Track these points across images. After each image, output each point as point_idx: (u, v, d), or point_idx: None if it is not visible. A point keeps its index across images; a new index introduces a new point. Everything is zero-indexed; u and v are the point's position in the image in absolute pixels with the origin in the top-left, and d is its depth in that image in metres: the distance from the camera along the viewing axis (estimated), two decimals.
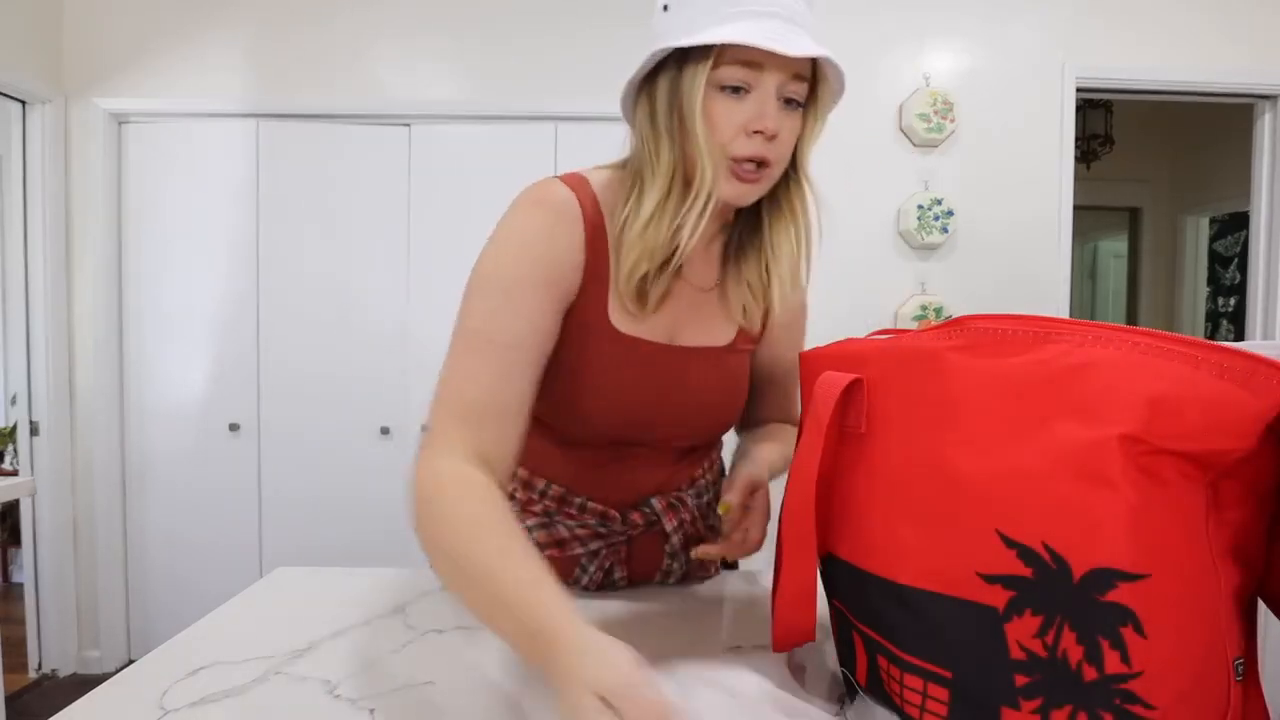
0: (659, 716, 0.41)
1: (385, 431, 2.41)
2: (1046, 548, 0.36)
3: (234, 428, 2.40)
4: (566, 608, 0.48)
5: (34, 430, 2.33)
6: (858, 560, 0.47)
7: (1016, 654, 0.37)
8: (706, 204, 0.63)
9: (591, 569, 0.76)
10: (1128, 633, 0.34)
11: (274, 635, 0.63)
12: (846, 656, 0.51)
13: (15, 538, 2.89)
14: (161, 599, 2.46)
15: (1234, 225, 3.61)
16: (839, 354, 0.52)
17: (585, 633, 0.47)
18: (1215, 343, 0.35)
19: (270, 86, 2.38)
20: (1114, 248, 4.45)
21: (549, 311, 0.65)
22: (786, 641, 0.55)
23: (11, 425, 2.86)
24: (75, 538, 2.40)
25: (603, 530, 0.76)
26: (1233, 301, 3.61)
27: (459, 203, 2.38)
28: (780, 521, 0.53)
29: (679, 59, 0.62)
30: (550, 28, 2.37)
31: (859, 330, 0.66)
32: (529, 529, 0.76)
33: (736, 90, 0.61)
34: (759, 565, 0.89)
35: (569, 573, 0.77)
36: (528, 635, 0.48)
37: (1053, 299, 2.09)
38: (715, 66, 0.60)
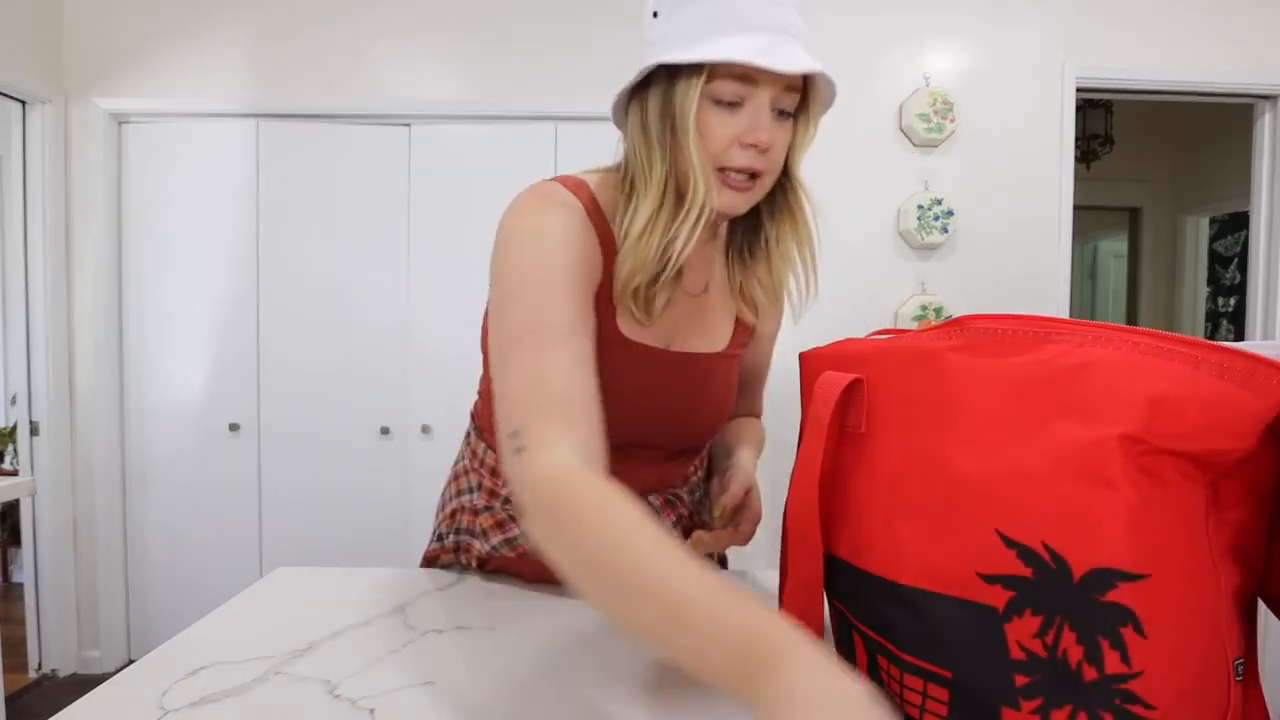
0: None
1: (385, 431, 2.41)
2: (1046, 548, 0.36)
3: (234, 427, 2.40)
4: (783, 619, 0.39)
5: (34, 430, 2.33)
6: (857, 560, 0.47)
7: (1016, 654, 0.37)
8: (700, 217, 0.62)
9: None
10: (1128, 633, 0.34)
11: (274, 635, 0.63)
12: (846, 656, 0.51)
13: (15, 538, 2.89)
14: (161, 599, 2.46)
15: (1234, 225, 3.61)
16: (839, 354, 0.52)
17: (820, 655, 0.37)
18: (1215, 343, 0.35)
19: (270, 86, 2.38)
20: (1114, 248, 4.45)
21: (588, 295, 0.63)
22: None
23: (11, 425, 2.86)
24: (75, 538, 2.40)
25: None
26: (1233, 301, 3.61)
27: (459, 203, 2.38)
28: (785, 522, 0.52)
29: (671, 70, 0.61)
30: (550, 28, 2.37)
31: (859, 330, 0.66)
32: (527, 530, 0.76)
33: (730, 104, 0.61)
34: (753, 564, 0.89)
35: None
36: (730, 652, 0.38)
37: (1053, 299, 2.09)
38: (709, 80, 0.60)
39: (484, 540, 0.78)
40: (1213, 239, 3.81)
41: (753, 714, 0.36)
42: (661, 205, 0.64)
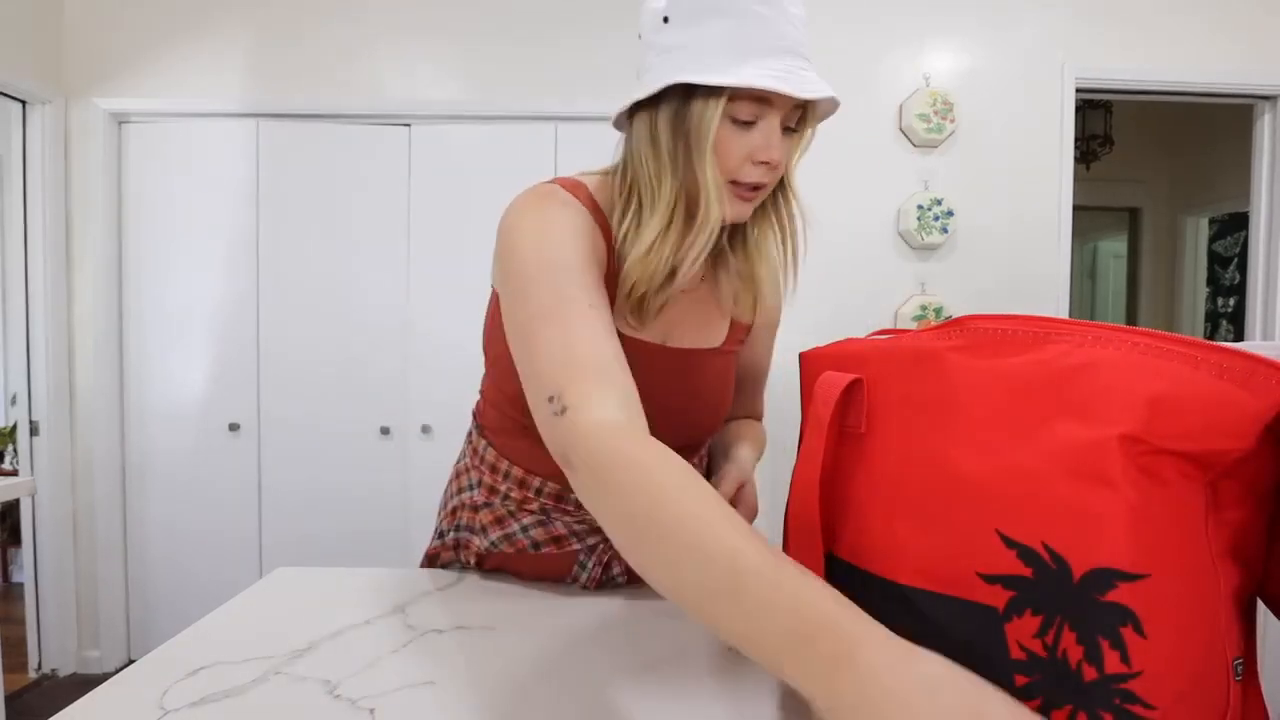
0: None
1: (385, 431, 2.41)
2: (1046, 548, 0.36)
3: (234, 427, 2.41)
4: (855, 609, 0.36)
5: (34, 430, 2.33)
6: (858, 560, 0.47)
7: (1016, 654, 0.37)
8: (711, 234, 0.64)
9: (590, 565, 0.77)
10: (1127, 633, 0.34)
11: (274, 635, 0.63)
12: None
13: (15, 537, 2.89)
14: (161, 599, 2.46)
15: (1233, 225, 3.61)
16: (839, 354, 0.52)
17: (904, 647, 0.34)
18: (1215, 343, 0.35)
19: (270, 86, 2.38)
20: (1114, 248, 4.45)
21: (603, 287, 0.63)
22: None
23: (11, 425, 2.86)
24: (75, 537, 2.40)
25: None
26: (1232, 301, 3.61)
27: (459, 203, 2.38)
28: (786, 522, 0.53)
29: (687, 86, 0.61)
30: (550, 28, 2.37)
31: (859, 330, 0.66)
32: (525, 527, 0.76)
33: (745, 123, 0.62)
34: None
35: (568, 570, 0.77)
36: (791, 636, 0.36)
37: (1052, 299, 2.09)
38: (729, 100, 0.60)
39: (483, 536, 0.79)
40: (1212, 239, 3.81)
41: (814, 711, 0.34)
42: (671, 221, 0.65)
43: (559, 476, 0.74)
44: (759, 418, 0.95)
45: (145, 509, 2.44)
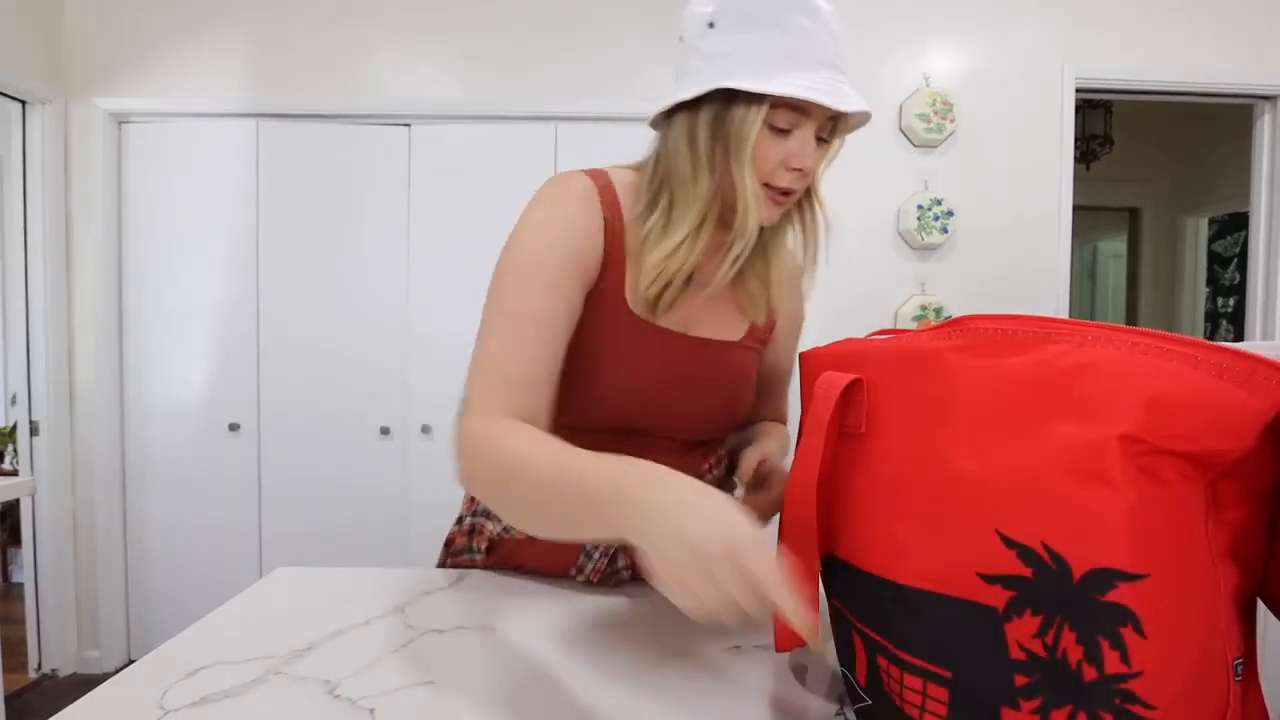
0: (770, 585, 0.38)
1: (385, 431, 2.41)
2: (1046, 548, 0.36)
3: (234, 427, 2.41)
4: (636, 463, 0.48)
5: (34, 430, 2.33)
6: (857, 560, 0.47)
7: (1016, 654, 0.37)
8: (749, 241, 0.67)
9: (595, 556, 0.77)
10: (1127, 633, 0.34)
11: (274, 635, 0.63)
12: (846, 656, 0.51)
13: (15, 537, 2.90)
14: (161, 599, 2.46)
15: (1233, 225, 3.61)
16: (839, 354, 0.52)
17: (662, 483, 0.45)
18: (1215, 343, 0.35)
19: (270, 86, 2.38)
20: (1114, 248, 4.45)
21: (572, 288, 0.68)
22: (788, 642, 0.55)
23: (11, 425, 2.86)
24: (75, 537, 2.40)
25: None
26: (1232, 301, 3.61)
27: (459, 203, 2.38)
28: (781, 522, 0.53)
29: (728, 91, 0.63)
30: (550, 28, 2.37)
31: (859, 330, 0.66)
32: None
33: (782, 130, 0.65)
34: None
35: (573, 561, 0.78)
36: (597, 499, 0.47)
37: (1052, 299, 2.09)
38: (770, 109, 0.63)
39: (497, 521, 0.81)
40: (1212, 239, 3.81)
41: (638, 552, 0.43)
42: (702, 223, 0.68)
43: None
44: (783, 421, 0.95)
45: (145, 509, 2.44)
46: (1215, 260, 3.78)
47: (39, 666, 2.37)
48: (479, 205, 2.37)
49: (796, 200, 0.72)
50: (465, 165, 2.39)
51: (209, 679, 0.55)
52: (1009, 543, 0.37)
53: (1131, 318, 4.04)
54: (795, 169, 0.66)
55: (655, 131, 0.73)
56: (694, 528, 0.41)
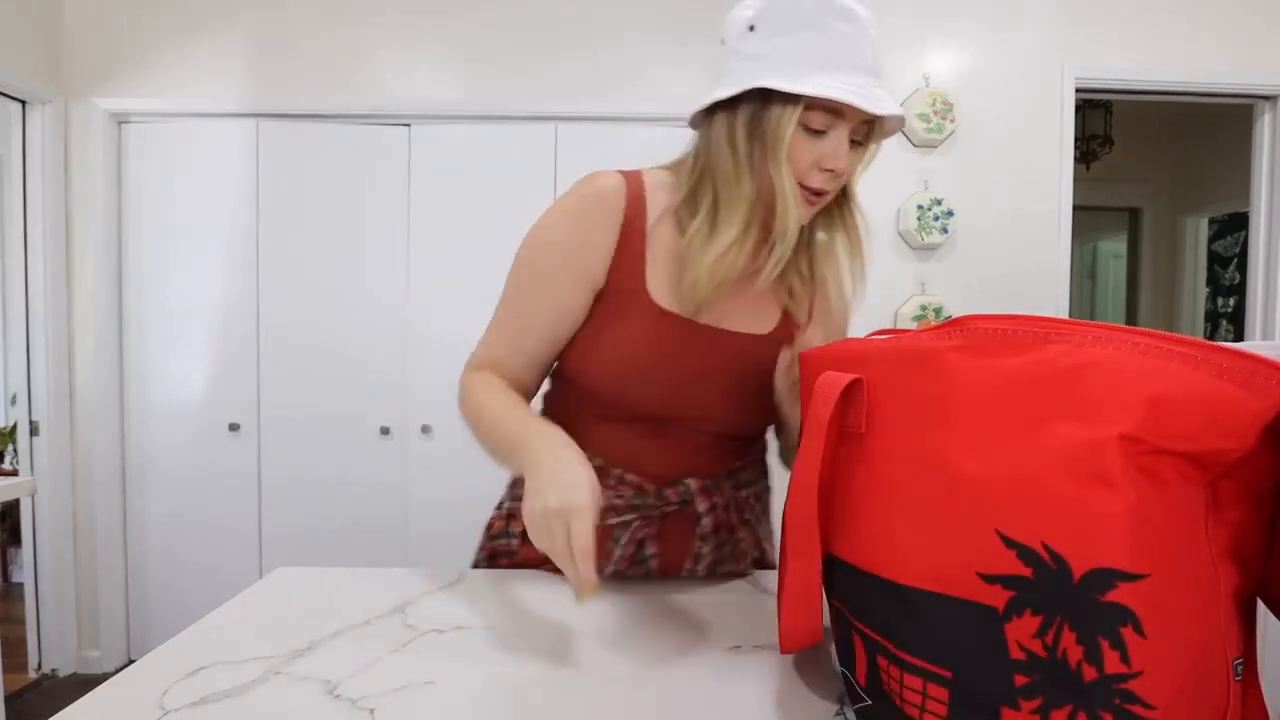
0: (579, 550, 0.55)
1: (385, 431, 2.41)
2: (1046, 548, 0.36)
3: (234, 427, 2.41)
4: (545, 429, 0.66)
5: (34, 430, 2.33)
6: (857, 560, 0.47)
7: (1016, 654, 0.37)
8: (791, 241, 0.69)
9: (624, 540, 0.77)
10: (1127, 633, 0.34)
11: (274, 635, 0.63)
12: (846, 656, 0.51)
13: (15, 537, 2.90)
14: (161, 599, 2.46)
15: (1233, 225, 3.61)
16: (839, 354, 0.52)
17: (552, 449, 0.62)
18: (1215, 343, 0.35)
19: (270, 86, 2.38)
20: (1114, 248, 4.45)
21: (571, 287, 0.74)
22: (793, 643, 0.55)
23: (11, 425, 2.86)
24: (75, 537, 2.40)
25: (637, 503, 0.78)
26: (1232, 302, 3.61)
27: (459, 203, 2.38)
28: (784, 522, 0.53)
29: (765, 92, 0.65)
30: (550, 28, 2.37)
31: (859, 330, 0.67)
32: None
33: (817, 131, 0.67)
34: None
35: (602, 545, 0.78)
36: (514, 449, 0.66)
37: (1052, 299, 2.09)
38: (805, 110, 0.65)
39: None
40: (1212, 239, 3.81)
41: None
42: (748, 225, 0.70)
43: (601, 451, 0.77)
44: None
45: (145, 509, 2.45)
46: (1215, 260, 3.78)
47: (39, 666, 2.37)
48: (479, 205, 2.36)
49: (831, 202, 0.74)
50: (465, 165, 2.39)
51: (209, 679, 0.56)
52: (1009, 543, 0.37)
53: (1131, 318, 4.04)
54: (828, 169, 0.67)
55: (695, 131, 0.75)
56: (551, 493, 0.58)
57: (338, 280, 2.41)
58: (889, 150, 2.02)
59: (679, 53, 2.31)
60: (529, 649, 0.62)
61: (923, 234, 2.03)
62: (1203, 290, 3.82)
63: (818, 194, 0.69)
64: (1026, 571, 0.37)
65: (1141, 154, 3.84)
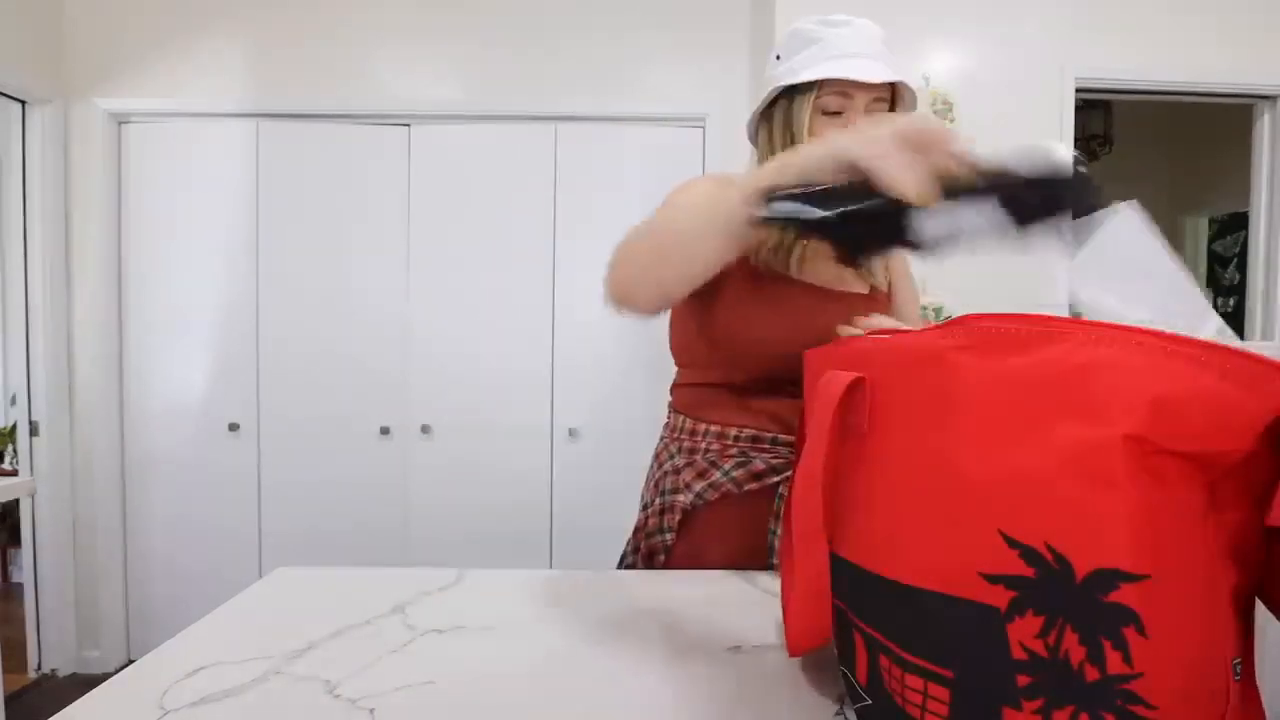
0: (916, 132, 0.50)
1: (385, 431, 2.41)
2: (1049, 548, 0.36)
3: (233, 427, 2.41)
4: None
5: (34, 430, 2.33)
6: (859, 559, 0.47)
7: (1018, 654, 0.37)
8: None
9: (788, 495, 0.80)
10: (1130, 633, 0.34)
11: (274, 635, 0.63)
12: (846, 656, 0.51)
13: (15, 538, 2.89)
14: (161, 599, 2.46)
15: (1233, 225, 3.61)
16: (841, 353, 0.52)
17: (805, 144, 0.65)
18: (1217, 343, 0.35)
19: (270, 86, 2.38)
20: None
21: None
22: (802, 644, 0.55)
23: (11, 425, 2.86)
24: (75, 538, 2.40)
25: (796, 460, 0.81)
26: (1232, 302, 3.61)
27: (459, 203, 2.38)
28: (788, 522, 0.53)
29: (789, 94, 0.82)
30: (550, 28, 2.37)
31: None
32: (727, 471, 0.88)
33: (835, 114, 0.79)
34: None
35: (770, 505, 0.86)
36: (750, 181, 0.58)
37: (1053, 299, 2.09)
38: (818, 96, 0.79)
39: (687, 492, 0.88)
40: (1212, 239, 3.81)
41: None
42: None
43: (750, 424, 0.87)
44: None
45: (145, 509, 2.44)
46: (1215, 260, 3.78)
47: (39, 666, 2.37)
48: (479, 205, 2.36)
49: None
50: (465, 165, 2.39)
51: (209, 679, 0.55)
52: (1012, 542, 0.37)
53: None
54: None
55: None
56: (843, 140, 0.53)
57: (337, 280, 2.41)
58: None
59: (679, 53, 2.31)
60: (529, 649, 0.62)
61: None
62: (1203, 290, 3.83)
63: None
64: (1029, 571, 0.37)
65: (1141, 154, 3.84)
